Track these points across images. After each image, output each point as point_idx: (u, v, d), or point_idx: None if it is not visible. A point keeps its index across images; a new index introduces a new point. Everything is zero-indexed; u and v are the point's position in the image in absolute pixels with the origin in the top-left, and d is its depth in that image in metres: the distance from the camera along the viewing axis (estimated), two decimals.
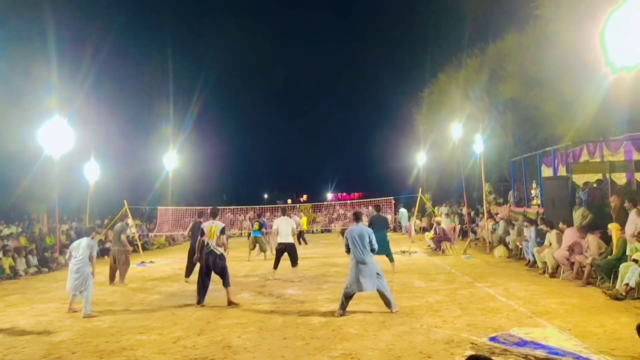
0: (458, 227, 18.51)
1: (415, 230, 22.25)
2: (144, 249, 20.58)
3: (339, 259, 15.93)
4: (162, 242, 24.49)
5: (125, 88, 29.00)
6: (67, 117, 15.91)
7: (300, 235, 21.74)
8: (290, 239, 11.91)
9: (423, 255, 16.42)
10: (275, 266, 12.15)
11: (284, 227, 11.90)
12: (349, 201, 30.75)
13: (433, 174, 30.67)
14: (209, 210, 10.10)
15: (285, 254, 11.86)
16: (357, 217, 8.59)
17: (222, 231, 9.20)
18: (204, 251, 9.10)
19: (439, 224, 17.64)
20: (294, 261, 11.92)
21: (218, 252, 9.09)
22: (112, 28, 28.07)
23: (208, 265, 9.08)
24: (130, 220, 20.93)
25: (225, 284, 9.16)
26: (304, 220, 23.89)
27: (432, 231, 17.88)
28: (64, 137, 15.26)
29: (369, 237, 8.02)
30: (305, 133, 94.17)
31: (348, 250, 8.11)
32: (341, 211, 28.58)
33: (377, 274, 7.94)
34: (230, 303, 9.03)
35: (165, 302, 9.83)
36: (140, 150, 29.54)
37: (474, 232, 19.72)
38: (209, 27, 72.07)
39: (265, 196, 67.47)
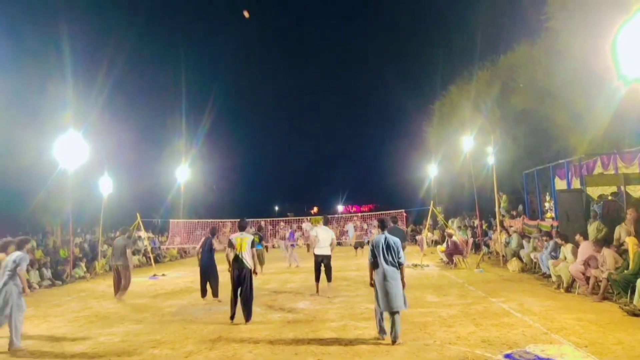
0: (471, 240, 18.31)
1: (427, 244, 22.07)
2: (156, 261, 20.62)
3: (350, 272, 15.88)
4: (174, 255, 24.52)
5: (139, 102, 29.38)
6: (81, 131, 16.04)
7: None
8: (329, 251, 11.40)
9: (435, 269, 16.29)
10: (317, 278, 11.50)
11: (323, 237, 11.40)
12: (359, 213, 30.56)
13: (445, 186, 30.49)
14: (237, 223, 9.73)
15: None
16: (383, 225, 7.71)
17: (253, 244, 9.03)
18: (234, 265, 8.90)
19: (450, 236, 17.49)
20: (329, 276, 11.41)
21: (248, 266, 8.87)
22: (125, 43, 28.46)
23: (238, 278, 8.83)
24: (143, 233, 21.11)
25: (245, 304, 8.82)
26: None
27: (444, 244, 17.74)
28: (78, 150, 15.39)
29: (396, 248, 7.28)
30: (316, 145, 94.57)
31: (373, 262, 7.32)
32: (351, 224, 28.47)
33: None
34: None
35: (176, 315, 9.81)
36: (153, 163, 29.71)
37: (487, 246, 19.52)
38: (221, 41, 72.86)
39: (276, 208, 67.49)
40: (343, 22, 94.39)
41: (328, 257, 11.43)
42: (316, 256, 11.51)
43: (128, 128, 25.65)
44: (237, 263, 8.87)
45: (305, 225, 25.32)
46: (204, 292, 11.53)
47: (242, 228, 9.31)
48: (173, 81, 34.16)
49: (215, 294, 11.43)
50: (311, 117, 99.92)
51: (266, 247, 18.62)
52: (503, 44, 22.50)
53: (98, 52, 25.80)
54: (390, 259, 7.23)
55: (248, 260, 8.87)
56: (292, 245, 18.70)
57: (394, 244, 7.29)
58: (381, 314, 7.31)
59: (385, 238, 7.36)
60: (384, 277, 7.15)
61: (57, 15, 21.79)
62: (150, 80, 31.57)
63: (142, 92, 30.51)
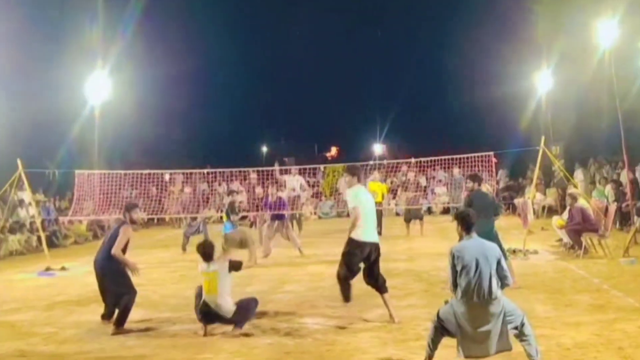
0: (613, 206, 18.08)
1: (535, 213, 21.91)
2: (52, 244, 20.66)
3: (396, 264, 15.77)
4: (83, 233, 24.65)
5: None
6: None
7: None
8: (376, 237, 10.84)
9: (549, 258, 16.36)
10: (347, 296, 10.86)
11: (371, 207, 10.90)
12: (413, 160, 30.34)
13: (566, 110, 30.44)
14: (198, 248, 10.02)
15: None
16: (467, 223, 7.86)
17: (235, 268, 9.78)
18: (203, 312, 9.59)
19: (575, 199, 17.27)
20: (382, 281, 10.79)
21: (226, 317, 9.50)
22: None
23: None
24: (26, 195, 21.08)
25: None
26: (382, 188, 23.42)
27: (566, 214, 17.55)
28: None
29: (499, 261, 7.56)
30: (331, 40, 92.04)
31: (455, 286, 7.57)
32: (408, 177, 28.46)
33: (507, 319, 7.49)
34: None
35: (87, 342, 9.77)
36: (46, 70, 29.54)
37: None
38: None
39: (264, 149, 67.58)
40: None
41: (378, 248, 10.81)
42: (361, 244, 10.69)
43: (3, 8, 25.40)
44: (206, 312, 9.52)
45: (291, 180, 24.81)
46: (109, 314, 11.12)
47: (206, 256, 9.84)
48: None
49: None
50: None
51: (251, 223, 18.59)
52: None
53: None
54: (487, 286, 7.38)
55: (226, 307, 9.48)
56: (279, 217, 18.61)
57: (496, 256, 7.53)
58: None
59: (477, 244, 7.63)
60: (469, 307, 7.38)
61: None
62: None
63: None
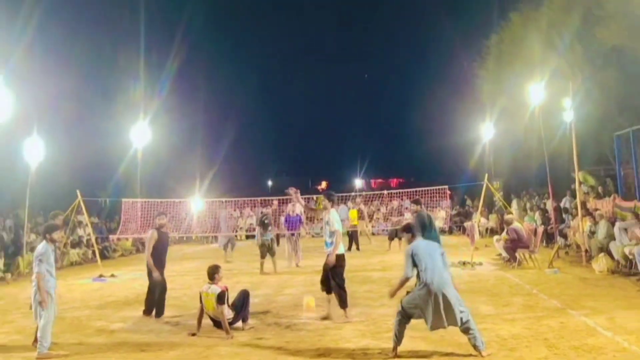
0: (541, 228, 18.13)
1: (480, 233, 21.98)
2: (103, 256, 20.61)
3: (373, 273, 15.80)
4: (128, 248, 24.59)
5: (81, 37, 28.92)
6: (1, 75, 15.76)
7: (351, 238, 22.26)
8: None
9: (491, 269, 16.30)
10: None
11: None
12: (386, 191, 30.48)
13: (504, 153, 30.50)
14: (207, 269, 9.91)
15: None
16: (411, 230, 8.30)
17: (220, 299, 9.30)
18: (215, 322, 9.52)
19: (509, 223, 17.34)
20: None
21: (230, 320, 9.39)
22: None
23: None
24: (84, 218, 21.08)
25: None
26: (352, 214, 23.54)
27: (504, 233, 17.62)
28: None
29: (442, 253, 8.03)
30: (324, 98, 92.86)
31: (417, 275, 7.82)
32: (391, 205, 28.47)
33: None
34: None
35: (132, 333, 9.78)
36: (99, 120, 29.51)
37: (564, 236, 19.45)
38: None
39: (270, 183, 67.54)
40: None
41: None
42: (344, 256, 10.55)
43: (66, 72, 25.46)
44: (215, 322, 9.53)
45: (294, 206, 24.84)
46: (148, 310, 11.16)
47: (209, 276, 9.73)
48: (128, 7, 33.69)
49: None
50: (316, 60, 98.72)
51: (277, 237, 18.63)
52: None
53: None
54: (440, 272, 7.75)
55: (225, 314, 9.31)
56: (292, 234, 18.59)
57: (439, 251, 8.07)
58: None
59: (424, 244, 8.08)
60: (435, 298, 7.59)
61: None
62: (95, 6, 31.13)
63: (86, 25, 30.15)
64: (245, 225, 30.19)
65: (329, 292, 10.23)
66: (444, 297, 7.48)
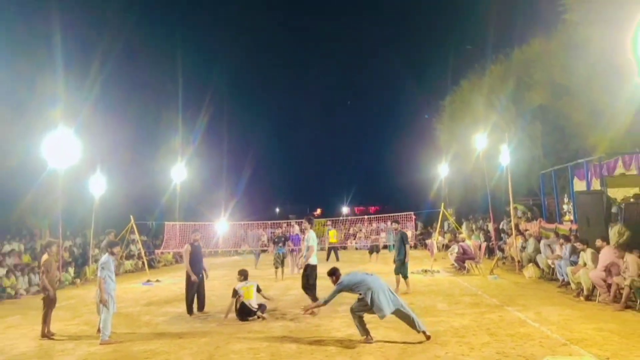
0: (484, 244, 18.21)
1: (438, 248, 22.01)
2: (150, 266, 20.60)
3: None
4: (169, 260, 24.52)
5: (133, 97, 29.16)
6: (72, 127, 15.85)
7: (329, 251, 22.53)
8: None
9: (446, 275, 16.26)
10: (315, 297, 10.65)
11: (315, 241, 11.17)
12: (366, 217, 30.51)
13: (456, 187, 30.48)
14: (239, 271, 10.48)
15: None
16: (333, 273, 8.30)
17: (258, 289, 10.16)
18: (242, 312, 9.83)
19: (457, 241, 17.46)
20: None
21: (254, 309, 9.87)
22: (119, 36, 28.26)
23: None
24: (136, 236, 21.11)
25: None
26: (334, 233, 23.85)
27: (455, 248, 17.71)
28: (69, 149, 15.19)
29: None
30: (319, 143, 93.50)
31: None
32: (366, 227, 28.42)
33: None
34: None
35: (172, 325, 9.79)
36: (147, 162, 29.61)
37: (502, 250, 19.46)
38: (219, 35, 72.36)
39: (277, 210, 67.22)
40: (349, 15, 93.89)
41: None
42: (315, 266, 10.99)
43: (122, 125, 25.60)
44: (244, 310, 9.80)
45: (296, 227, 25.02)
46: (190, 309, 11.04)
47: (244, 276, 10.29)
48: (169, 76, 33.94)
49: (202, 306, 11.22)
50: (315, 114, 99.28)
51: (291, 251, 18.72)
52: (517, 37, 22.53)
53: (90, 45, 25.70)
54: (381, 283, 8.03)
55: (254, 305, 9.92)
56: (292, 250, 18.64)
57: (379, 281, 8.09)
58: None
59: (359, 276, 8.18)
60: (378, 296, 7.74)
61: (49, 7, 21.72)
62: (144, 75, 31.39)
63: (136, 87, 30.31)
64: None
65: (306, 292, 10.84)
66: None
